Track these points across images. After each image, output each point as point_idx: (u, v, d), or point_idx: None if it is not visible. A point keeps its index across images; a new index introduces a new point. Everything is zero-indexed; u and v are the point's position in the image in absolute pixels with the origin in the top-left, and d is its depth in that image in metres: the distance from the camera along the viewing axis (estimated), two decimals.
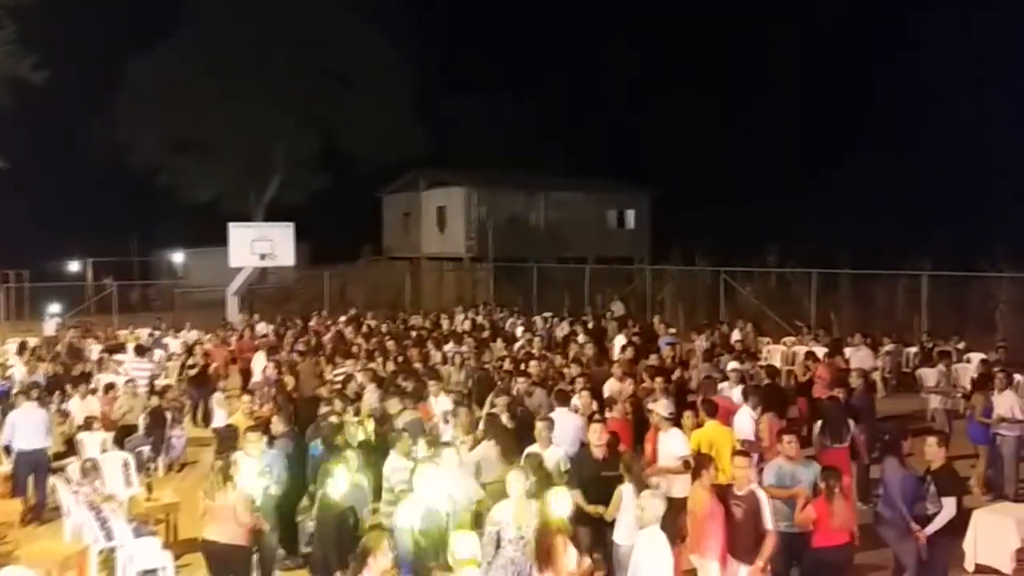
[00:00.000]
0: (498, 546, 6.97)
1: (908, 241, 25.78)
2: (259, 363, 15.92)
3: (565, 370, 13.83)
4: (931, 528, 7.96)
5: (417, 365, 14.86)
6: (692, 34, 49.54)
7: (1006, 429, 11.39)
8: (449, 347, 16.59)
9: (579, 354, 15.52)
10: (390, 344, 17.32)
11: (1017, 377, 15.21)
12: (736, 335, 18.50)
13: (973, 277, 22.22)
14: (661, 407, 9.85)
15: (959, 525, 8.30)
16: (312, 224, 33.16)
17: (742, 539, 7.40)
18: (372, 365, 14.43)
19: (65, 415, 13.71)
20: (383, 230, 44.13)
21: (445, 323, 22.62)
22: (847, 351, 16.24)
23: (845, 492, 7.96)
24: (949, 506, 7.97)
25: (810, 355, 15.08)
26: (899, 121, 43.77)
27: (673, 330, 19.26)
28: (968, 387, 13.83)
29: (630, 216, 42.27)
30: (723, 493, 7.60)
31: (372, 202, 43.88)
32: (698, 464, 7.84)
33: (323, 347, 17.80)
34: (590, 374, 13.01)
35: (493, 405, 10.95)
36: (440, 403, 11.48)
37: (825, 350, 16.17)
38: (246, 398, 11.83)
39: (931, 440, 8.41)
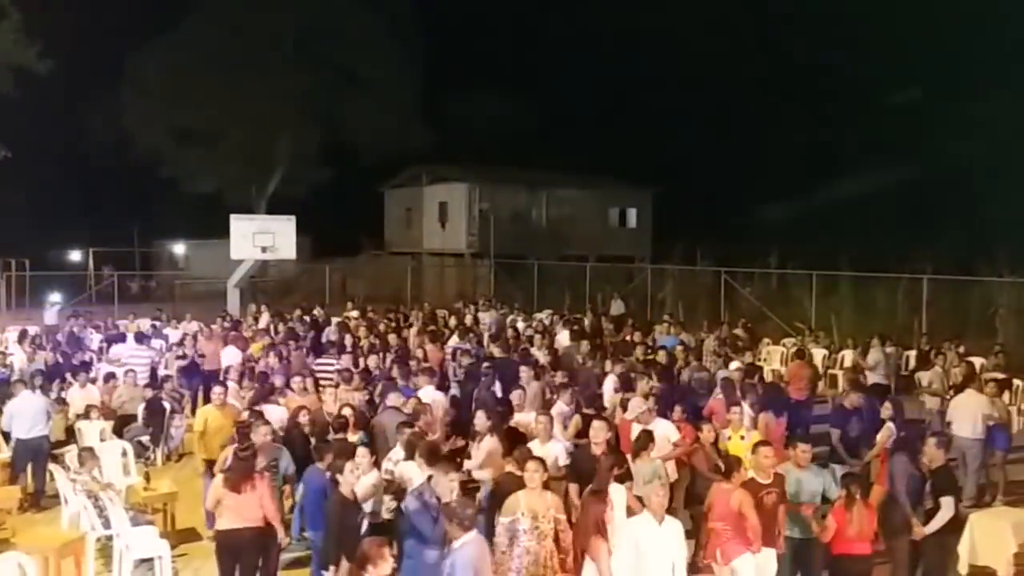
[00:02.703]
0: (513, 536, 6.99)
1: (909, 244, 25.75)
2: (228, 355, 15.50)
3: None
4: (931, 527, 7.94)
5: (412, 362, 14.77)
6: (697, 32, 49.43)
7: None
8: (452, 342, 16.53)
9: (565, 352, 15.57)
10: (391, 338, 17.31)
11: (1017, 382, 15.30)
12: (739, 332, 18.52)
13: (974, 281, 22.23)
14: (637, 404, 10.14)
15: (955, 526, 8.30)
16: (314, 217, 33.19)
17: (773, 523, 7.55)
18: (372, 359, 14.34)
19: (64, 403, 13.72)
20: (385, 225, 44.09)
21: (452, 319, 22.47)
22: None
23: (868, 500, 7.89)
24: (947, 506, 7.96)
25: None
26: (901, 123, 43.67)
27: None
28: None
29: (632, 215, 42.19)
30: (751, 488, 7.61)
31: (374, 196, 43.85)
32: (728, 466, 7.84)
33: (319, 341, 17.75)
34: (574, 372, 12.99)
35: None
36: (426, 394, 11.27)
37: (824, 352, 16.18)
38: (218, 389, 11.08)
39: (931, 440, 8.39)
